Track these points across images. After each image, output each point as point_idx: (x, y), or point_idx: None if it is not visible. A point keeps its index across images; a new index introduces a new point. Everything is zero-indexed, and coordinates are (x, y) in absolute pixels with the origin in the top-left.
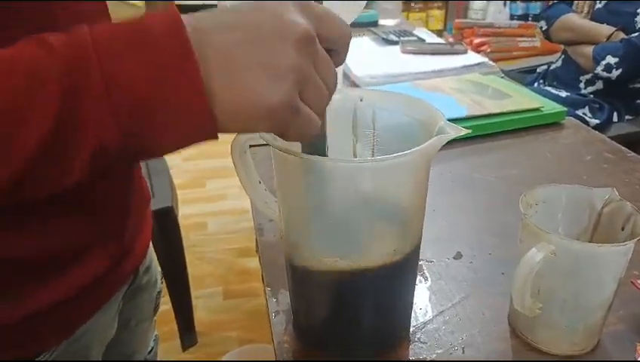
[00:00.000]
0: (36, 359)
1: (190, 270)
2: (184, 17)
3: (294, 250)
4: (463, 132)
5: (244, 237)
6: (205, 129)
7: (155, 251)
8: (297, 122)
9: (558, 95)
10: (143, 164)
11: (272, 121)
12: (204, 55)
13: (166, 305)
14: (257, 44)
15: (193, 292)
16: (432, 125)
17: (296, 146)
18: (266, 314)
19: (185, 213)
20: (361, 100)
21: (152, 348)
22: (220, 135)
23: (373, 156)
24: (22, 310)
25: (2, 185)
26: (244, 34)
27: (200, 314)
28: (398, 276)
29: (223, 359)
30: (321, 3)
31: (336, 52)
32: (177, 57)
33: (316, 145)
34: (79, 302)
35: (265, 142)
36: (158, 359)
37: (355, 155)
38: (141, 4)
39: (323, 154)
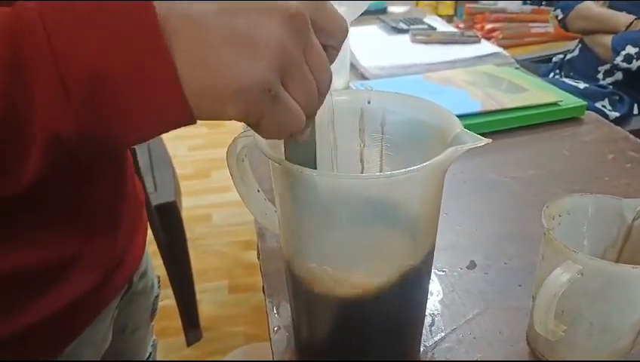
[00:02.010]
0: None
1: (195, 263)
2: None
3: (295, 264)
4: (483, 142)
5: (249, 229)
6: (175, 112)
7: (158, 247)
8: (275, 112)
9: (576, 86)
10: (145, 157)
11: (243, 105)
12: (170, 24)
13: (170, 300)
14: (237, 15)
15: (198, 286)
16: (447, 131)
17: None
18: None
19: (189, 205)
20: (368, 102)
21: (151, 354)
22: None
23: (381, 162)
24: (6, 328)
25: None
26: (222, 3)
27: (205, 308)
28: (407, 292)
29: (226, 358)
30: None
31: (332, 49)
32: (142, 31)
33: (302, 154)
34: (69, 317)
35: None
36: (163, 355)
37: (362, 161)
38: None
39: (311, 164)
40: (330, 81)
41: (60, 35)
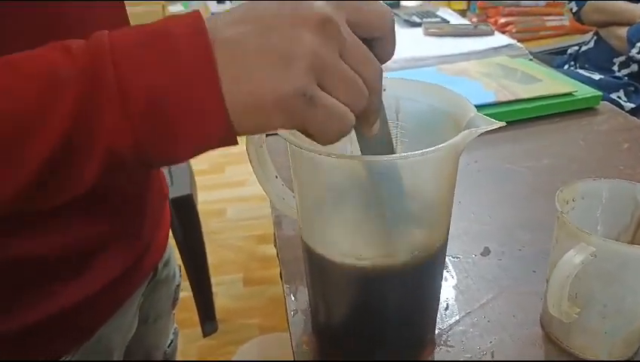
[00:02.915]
0: (58, 361)
1: (210, 257)
2: (206, 19)
3: (313, 247)
4: (496, 125)
5: (264, 223)
6: (220, 131)
7: (175, 239)
8: (316, 115)
9: (590, 77)
10: None
11: (284, 113)
12: (215, 50)
13: (187, 292)
14: (269, 34)
15: (213, 279)
16: (462, 116)
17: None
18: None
19: (204, 200)
20: (383, 90)
21: (172, 341)
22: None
23: (395, 149)
24: (40, 313)
25: (16, 191)
26: (256, 25)
27: (220, 301)
28: (423, 275)
29: (241, 349)
30: None
31: (381, 41)
32: (195, 61)
33: (377, 151)
34: (100, 301)
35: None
36: (179, 347)
37: None
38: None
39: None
40: (380, 74)
41: (124, 59)
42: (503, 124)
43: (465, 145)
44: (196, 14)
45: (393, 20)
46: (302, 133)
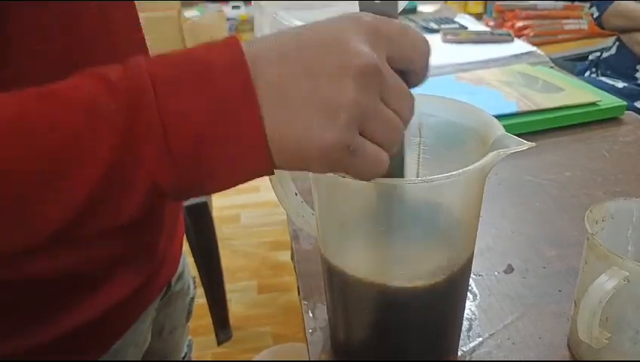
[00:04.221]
0: None
1: (224, 263)
2: (244, 46)
3: (334, 266)
4: (525, 146)
5: (277, 230)
6: (261, 168)
7: (190, 246)
8: (356, 163)
9: (613, 85)
10: None
11: (326, 163)
12: (260, 90)
13: (201, 298)
14: (314, 78)
15: (227, 286)
16: (488, 134)
17: None
18: (300, 309)
19: (218, 206)
20: None
21: (186, 354)
22: None
23: (419, 165)
24: (54, 331)
25: (60, 225)
26: (300, 66)
27: (234, 307)
28: (447, 295)
29: (256, 358)
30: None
31: (414, 72)
32: (238, 96)
33: (391, 166)
34: (114, 318)
35: None
36: (194, 353)
37: None
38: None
39: (400, 175)
40: (413, 105)
41: (168, 99)
42: (533, 144)
43: (493, 166)
44: (235, 42)
45: (429, 52)
46: None
